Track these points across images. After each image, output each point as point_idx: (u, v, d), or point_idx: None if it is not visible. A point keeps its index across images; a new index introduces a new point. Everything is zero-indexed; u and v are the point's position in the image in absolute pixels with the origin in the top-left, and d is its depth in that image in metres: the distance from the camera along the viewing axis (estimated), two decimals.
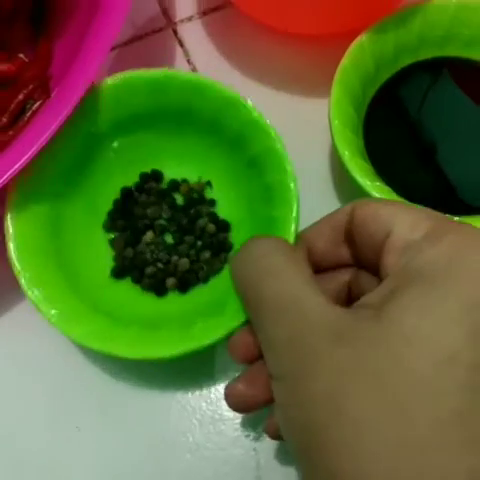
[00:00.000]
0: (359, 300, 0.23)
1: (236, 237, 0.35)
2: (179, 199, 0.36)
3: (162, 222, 0.35)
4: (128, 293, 0.34)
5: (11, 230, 0.31)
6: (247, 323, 0.27)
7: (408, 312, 0.20)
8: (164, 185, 0.36)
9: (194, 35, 0.42)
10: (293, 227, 0.29)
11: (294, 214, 0.30)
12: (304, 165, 0.33)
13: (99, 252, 0.35)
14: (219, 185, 0.36)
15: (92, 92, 0.32)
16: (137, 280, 0.34)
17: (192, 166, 0.36)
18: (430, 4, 0.36)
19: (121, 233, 0.35)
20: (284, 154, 0.31)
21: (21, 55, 0.39)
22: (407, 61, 0.37)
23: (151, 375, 0.35)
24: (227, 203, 0.36)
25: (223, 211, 0.36)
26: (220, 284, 0.33)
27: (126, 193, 0.36)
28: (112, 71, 0.40)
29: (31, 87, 0.36)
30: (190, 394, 0.34)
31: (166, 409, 0.34)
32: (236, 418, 0.34)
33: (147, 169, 0.36)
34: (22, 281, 0.30)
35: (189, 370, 0.34)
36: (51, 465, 0.33)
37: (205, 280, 0.34)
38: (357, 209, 0.25)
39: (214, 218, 0.35)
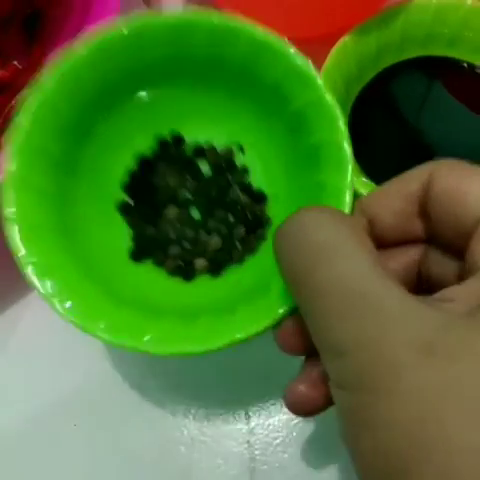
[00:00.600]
0: (442, 291, 0.18)
1: (274, 210, 0.30)
2: (205, 168, 0.31)
3: (186, 194, 0.30)
4: (151, 279, 0.29)
5: (12, 208, 0.25)
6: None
7: None
8: (187, 152, 0.31)
9: None
10: (348, 195, 0.25)
11: (349, 179, 0.25)
12: None
13: (114, 232, 0.29)
14: (252, 149, 0.31)
15: (102, 39, 0.27)
16: (160, 262, 0.29)
17: (219, 128, 0.30)
18: (411, 4, 0.36)
19: (139, 208, 0.30)
20: (335, 108, 0.26)
21: (15, 62, 0.40)
22: (390, 60, 0.38)
23: (145, 370, 0.35)
24: (263, 170, 0.30)
25: (258, 180, 0.30)
26: (259, 264, 0.28)
27: (143, 162, 0.31)
28: None
29: (24, 93, 0.37)
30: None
31: (160, 404, 0.35)
32: (228, 412, 0.34)
33: (165, 132, 0.31)
34: (29, 270, 0.24)
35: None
36: (47, 461, 0.34)
37: (240, 261, 0.29)
38: (436, 180, 0.20)
39: (247, 188, 0.30)
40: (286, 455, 0.33)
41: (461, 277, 0.19)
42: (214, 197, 0.30)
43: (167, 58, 0.28)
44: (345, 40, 0.35)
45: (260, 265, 0.28)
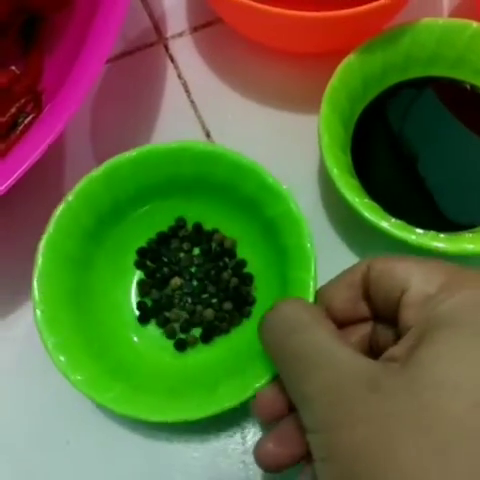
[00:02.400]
0: (385, 353, 0.24)
1: (257, 292, 0.36)
2: (206, 247, 0.37)
3: (192, 269, 0.36)
4: (150, 351, 0.35)
5: (37, 292, 0.32)
6: (272, 380, 0.29)
7: (438, 359, 0.21)
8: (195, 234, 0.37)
9: (185, 51, 0.43)
10: (312, 288, 0.30)
11: (312, 275, 0.31)
12: (294, 181, 0.34)
13: (124, 299, 0.36)
14: (240, 244, 0.37)
15: (110, 166, 0.33)
16: (162, 324, 0.35)
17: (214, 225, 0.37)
18: (417, 24, 0.36)
19: (149, 274, 0.36)
20: (300, 217, 0.32)
21: (13, 67, 0.39)
22: (394, 79, 0.38)
23: None
24: (248, 261, 0.36)
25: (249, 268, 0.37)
26: (242, 338, 0.35)
27: (162, 237, 0.37)
28: (103, 85, 0.41)
29: (23, 101, 0.36)
30: None
31: (155, 426, 0.34)
32: (224, 431, 0.34)
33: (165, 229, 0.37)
34: (49, 346, 0.31)
35: None
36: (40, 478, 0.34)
37: (227, 331, 0.35)
38: (372, 267, 0.26)
39: (239, 273, 0.36)
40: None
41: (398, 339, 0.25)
42: (212, 276, 0.36)
43: (166, 176, 0.34)
44: (350, 58, 0.35)
45: (243, 340, 0.34)
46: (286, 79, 0.41)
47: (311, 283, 0.30)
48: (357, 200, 0.33)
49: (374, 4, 0.33)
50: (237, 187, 0.34)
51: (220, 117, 0.41)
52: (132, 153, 0.33)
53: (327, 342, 0.24)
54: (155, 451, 0.34)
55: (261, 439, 0.26)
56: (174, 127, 0.41)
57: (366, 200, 0.34)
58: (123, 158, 0.33)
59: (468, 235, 0.33)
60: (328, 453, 0.22)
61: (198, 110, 0.41)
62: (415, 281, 0.24)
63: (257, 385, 0.29)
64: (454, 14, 0.42)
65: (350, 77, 0.35)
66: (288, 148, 0.39)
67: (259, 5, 0.34)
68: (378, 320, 0.28)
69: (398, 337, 0.24)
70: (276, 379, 0.28)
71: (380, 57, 0.36)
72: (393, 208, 0.35)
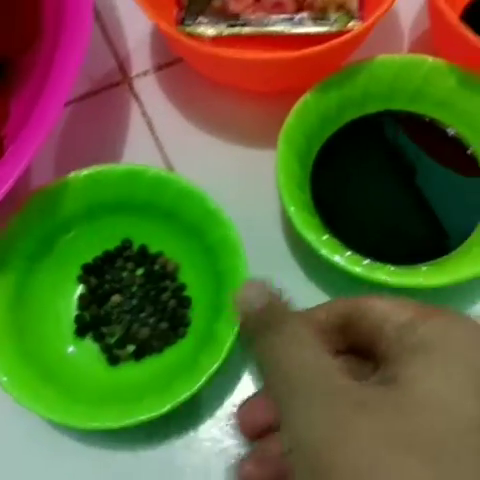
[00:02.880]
0: (369, 379, 0.25)
1: (194, 314, 0.37)
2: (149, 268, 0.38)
3: (133, 288, 0.38)
4: (85, 363, 0.36)
5: None
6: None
7: (416, 380, 0.23)
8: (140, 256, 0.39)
9: (149, 89, 0.44)
10: None
11: None
12: (254, 219, 0.36)
13: (63, 311, 0.37)
14: (183, 267, 0.38)
15: (63, 183, 0.36)
16: (98, 338, 0.37)
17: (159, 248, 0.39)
18: (374, 61, 0.37)
19: (91, 290, 0.38)
20: (238, 242, 0.34)
21: None
22: (353, 115, 0.39)
23: None
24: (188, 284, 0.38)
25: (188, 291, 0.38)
26: (174, 358, 0.36)
27: (107, 256, 0.38)
28: (70, 124, 0.41)
29: None
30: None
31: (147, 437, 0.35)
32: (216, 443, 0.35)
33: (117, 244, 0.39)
34: None
35: None
36: None
37: (160, 350, 0.36)
38: (359, 304, 0.28)
39: (178, 293, 0.37)
40: None
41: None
42: (152, 296, 0.37)
43: (117, 197, 0.36)
44: (306, 97, 0.35)
45: (174, 358, 0.36)
46: (248, 116, 0.42)
47: None
48: (314, 237, 0.33)
49: (326, 45, 0.34)
50: (183, 212, 0.36)
51: (183, 153, 0.42)
52: (86, 171, 0.36)
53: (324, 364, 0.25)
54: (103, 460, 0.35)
55: (242, 460, 0.27)
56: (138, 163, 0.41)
57: (325, 237, 0.34)
58: (78, 175, 0.36)
59: (424, 268, 0.34)
60: (315, 473, 0.23)
61: (162, 147, 0.42)
62: (392, 313, 0.26)
63: (177, 400, 0.31)
64: (413, 48, 0.43)
65: (306, 115, 0.36)
66: (250, 184, 0.40)
67: (213, 49, 0.35)
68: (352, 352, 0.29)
69: (374, 367, 0.26)
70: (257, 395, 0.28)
71: (337, 94, 0.37)
72: (354, 243, 0.35)
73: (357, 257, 0.34)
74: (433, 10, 0.37)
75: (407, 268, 0.34)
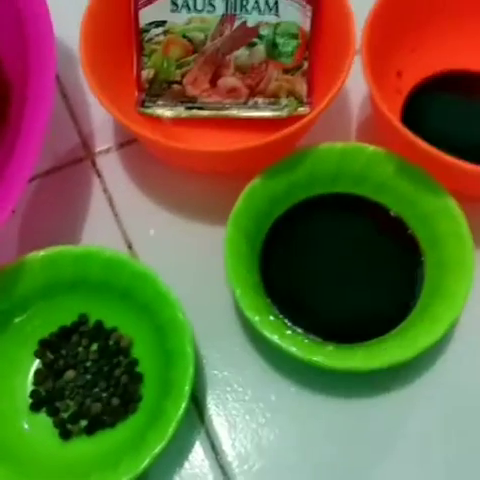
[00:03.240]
0: None
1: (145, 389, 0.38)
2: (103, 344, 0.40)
3: (88, 363, 0.39)
4: (39, 438, 0.37)
5: None
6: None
7: None
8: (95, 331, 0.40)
9: (111, 166, 0.46)
10: (187, 388, 0.34)
11: (190, 377, 0.34)
12: (207, 297, 0.38)
13: (19, 386, 0.38)
14: (136, 343, 0.40)
15: (22, 263, 0.38)
16: (52, 413, 0.38)
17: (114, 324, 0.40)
18: (317, 149, 0.39)
19: (46, 365, 0.39)
20: (185, 324, 0.35)
21: None
22: (300, 197, 0.41)
23: None
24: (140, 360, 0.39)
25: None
26: (126, 433, 0.37)
27: (63, 331, 0.40)
28: (33, 199, 0.43)
29: None
30: None
31: None
32: None
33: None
34: None
35: None
36: None
37: (112, 425, 0.37)
38: None
39: (130, 371, 0.39)
40: None
41: None
42: (105, 372, 0.38)
43: (73, 276, 0.38)
44: (254, 183, 0.38)
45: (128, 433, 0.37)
46: (205, 195, 0.44)
47: (186, 388, 0.34)
48: (256, 317, 0.35)
49: (272, 137, 0.36)
50: (137, 292, 0.38)
51: (142, 230, 0.44)
52: (43, 252, 0.38)
53: None
54: None
55: None
56: (98, 238, 0.43)
57: (271, 317, 0.36)
58: (35, 256, 0.38)
59: (362, 349, 0.35)
60: None
61: (121, 223, 0.44)
62: None
63: (125, 478, 0.32)
64: (360, 130, 0.46)
65: (254, 200, 0.38)
66: (207, 261, 0.41)
67: (159, 139, 0.37)
68: None
69: None
70: None
71: (284, 178, 0.39)
72: (303, 322, 0.37)
73: (299, 337, 0.36)
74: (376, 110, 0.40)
75: (347, 348, 0.36)
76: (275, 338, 0.34)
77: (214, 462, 0.37)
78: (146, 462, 0.32)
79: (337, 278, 0.40)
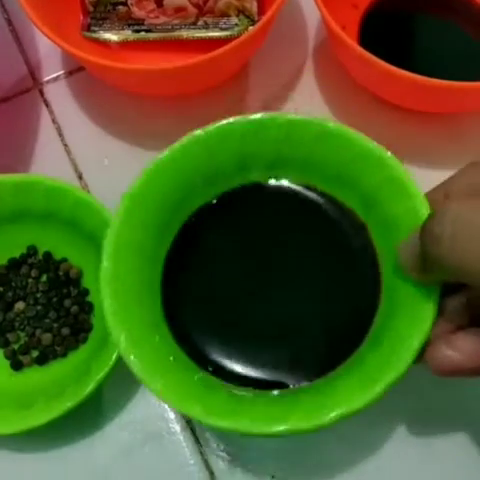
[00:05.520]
0: None
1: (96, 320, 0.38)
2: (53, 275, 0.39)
3: (37, 295, 0.38)
4: None
5: None
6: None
7: None
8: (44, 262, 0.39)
9: (59, 95, 0.44)
10: None
11: None
12: None
13: None
14: (85, 274, 0.39)
15: None
16: (3, 345, 0.38)
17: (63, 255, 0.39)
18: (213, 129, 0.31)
19: None
20: None
21: None
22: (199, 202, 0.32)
23: None
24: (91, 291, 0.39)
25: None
26: (78, 362, 0.37)
27: (12, 263, 0.39)
28: None
29: None
30: None
31: None
32: None
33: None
34: None
35: None
36: None
37: (64, 355, 0.37)
38: None
39: (80, 301, 0.38)
40: None
41: None
42: (54, 304, 0.38)
43: (18, 206, 0.37)
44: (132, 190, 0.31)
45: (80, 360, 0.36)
46: (160, 122, 0.43)
47: None
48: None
49: (220, 50, 0.35)
50: (82, 222, 0.37)
51: (92, 160, 0.43)
52: None
53: None
54: None
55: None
56: (48, 170, 0.42)
57: (171, 358, 0.28)
58: None
59: (276, 393, 0.28)
60: None
61: (71, 153, 0.43)
62: None
63: (68, 405, 0.32)
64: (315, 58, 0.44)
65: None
66: None
67: (100, 60, 0.36)
68: None
69: None
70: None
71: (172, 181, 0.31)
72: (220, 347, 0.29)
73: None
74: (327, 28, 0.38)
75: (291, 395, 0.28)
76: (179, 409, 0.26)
77: None
78: (89, 388, 0.32)
79: (266, 292, 0.30)
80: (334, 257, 0.31)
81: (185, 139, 0.30)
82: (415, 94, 0.37)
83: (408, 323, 0.26)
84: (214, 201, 0.32)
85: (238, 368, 0.28)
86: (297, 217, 0.32)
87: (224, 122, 0.30)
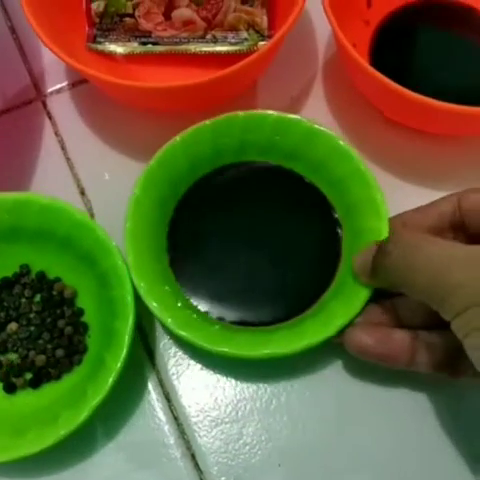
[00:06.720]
0: None
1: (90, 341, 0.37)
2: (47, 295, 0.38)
3: (31, 315, 0.37)
4: None
5: None
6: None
7: None
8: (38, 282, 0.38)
9: (62, 107, 0.43)
10: (127, 338, 0.32)
11: (130, 325, 0.33)
12: None
13: None
14: (80, 294, 0.38)
15: None
16: None
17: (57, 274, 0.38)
18: (219, 119, 0.36)
19: None
20: (124, 271, 0.33)
21: None
22: (204, 171, 0.38)
23: None
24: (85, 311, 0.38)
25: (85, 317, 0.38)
26: (72, 385, 0.35)
27: (5, 282, 0.38)
28: None
29: None
30: None
31: None
32: None
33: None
34: None
35: None
36: None
37: (58, 378, 0.36)
38: (465, 197, 0.31)
39: (74, 322, 0.37)
40: None
41: None
42: (48, 324, 0.37)
43: (11, 224, 0.36)
44: (152, 165, 0.36)
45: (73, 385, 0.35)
46: (165, 137, 0.41)
47: (126, 337, 0.32)
48: (166, 314, 0.33)
49: (226, 71, 0.34)
50: (77, 241, 0.36)
51: (95, 174, 0.41)
52: None
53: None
54: None
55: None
56: (49, 184, 0.41)
57: (179, 304, 0.34)
58: None
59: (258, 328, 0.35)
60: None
61: (74, 167, 0.41)
62: None
63: (62, 433, 0.31)
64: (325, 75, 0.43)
65: (155, 181, 0.36)
66: None
67: (101, 75, 0.35)
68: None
69: None
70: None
71: (186, 155, 0.37)
72: (211, 306, 0.36)
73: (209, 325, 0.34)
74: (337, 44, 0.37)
75: (265, 331, 0.34)
76: (183, 334, 0.32)
77: (168, 411, 0.36)
78: (84, 415, 0.31)
79: (245, 258, 0.37)
80: (308, 226, 0.38)
81: (194, 127, 0.36)
82: (425, 116, 0.36)
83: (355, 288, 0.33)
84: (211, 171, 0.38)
85: (227, 312, 0.35)
86: (279, 189, 0.38)
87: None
